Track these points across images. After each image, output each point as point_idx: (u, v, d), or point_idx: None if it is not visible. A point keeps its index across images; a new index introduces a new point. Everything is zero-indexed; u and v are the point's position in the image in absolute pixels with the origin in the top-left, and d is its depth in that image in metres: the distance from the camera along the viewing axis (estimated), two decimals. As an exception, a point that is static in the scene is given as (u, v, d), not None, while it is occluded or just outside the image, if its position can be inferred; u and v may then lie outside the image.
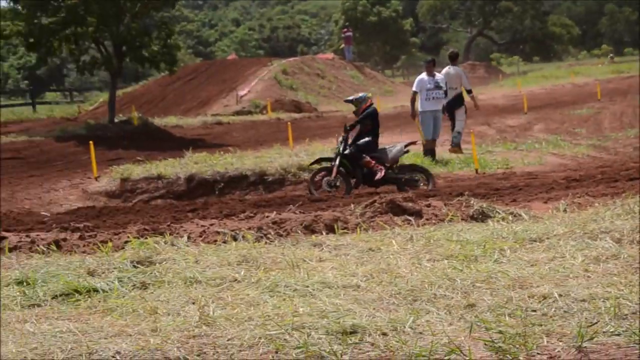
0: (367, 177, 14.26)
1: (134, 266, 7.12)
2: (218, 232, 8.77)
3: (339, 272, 6.65)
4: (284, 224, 8.92)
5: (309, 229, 8.72)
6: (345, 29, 58.97)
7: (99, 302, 6.12)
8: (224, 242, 8.36)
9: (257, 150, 21.20)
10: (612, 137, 21.82)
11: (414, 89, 17.89)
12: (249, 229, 8.83)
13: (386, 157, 14.23)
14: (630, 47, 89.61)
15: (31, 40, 30.56)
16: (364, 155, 14.21)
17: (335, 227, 8.72)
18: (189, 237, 8.63)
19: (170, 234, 8.66)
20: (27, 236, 9.06)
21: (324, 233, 8.57)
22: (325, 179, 14.15)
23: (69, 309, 6.02)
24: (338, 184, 14.12)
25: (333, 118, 35.37)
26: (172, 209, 13.33)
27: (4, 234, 9.16)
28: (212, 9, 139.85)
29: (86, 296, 6.29)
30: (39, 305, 6.14)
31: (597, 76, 52.00)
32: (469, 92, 18.82)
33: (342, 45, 60.02)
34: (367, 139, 14.44)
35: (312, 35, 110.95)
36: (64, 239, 8.93)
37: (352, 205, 9.90)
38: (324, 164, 14.62)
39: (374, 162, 14.13)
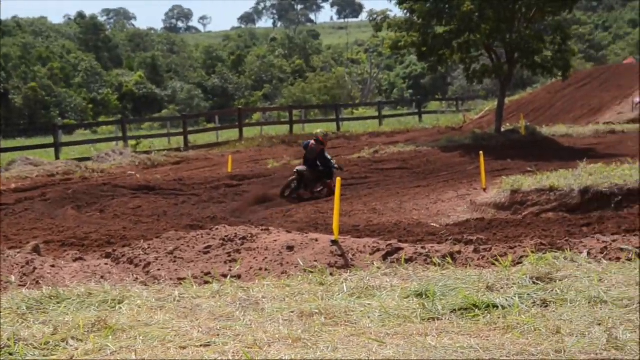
0: None
1: (534, 282, 6.89)
2: (621, 249, 8.26)
3: None
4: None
5: None
6: None
7: (499, 318, 5.98)
8: (629, 259, 7.84)
9: (655, 160, 20.02)
10: None
11: None
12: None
13: None
14: None
15: (424, 49, 31.40)
16: None
17: None
18: (589, 254, 8.22)
19: (569, 250, 8.29)
20: (422, 247, 9.13)
21: None
22: None
23: (468, 324, 5.92)
24: None
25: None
26: (566, 223, 12.88)
27: (400, 245, 9.31)
28: (607, 11, 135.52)
29: (485, 312, 6.15)
30: (438, 319, 6.09)
31: None
32: None
33: None
34: None
35: None
36: (458, 252, 8.88)
37: None
38: None
39: None
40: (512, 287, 6.79)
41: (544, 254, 8.13)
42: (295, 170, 20.30)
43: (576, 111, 42.72)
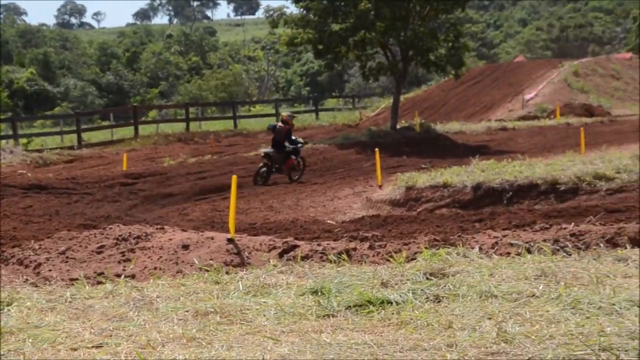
0: None
1: (427, 278, 6.98)
2: (511, 244, 8.44)
3: (649, 290, 6.14)
4: (583, 237, 8.44)
5: (611, 242, 8.19)
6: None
7: (393, 314, 6.03)
8: (518, 254, 8.02)
9: (544, 157, 20.55)
10: None
11: None
12: (545, 240, 8.44)
13: None
14: None
15: (320, 47, 31.50)
16: None
17: (642, 240, 8.14)
18: (480, 249, 8.38)
19: (461, 245, 8.43)
20: (318, 245, 9.16)
21: (628, 247, 8.01)
22: None
23: (362, 320, 5.96)
24: None
25: (628, 122, 33.77)
26: (459, 219, 13.10)
27: (296, 242, 9.32)
28: (498, 9, 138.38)
29: (380, 308, 6.20)
30: (333, 316, 6.12)
31: None
32: None
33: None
34: None
35: (605, 34, 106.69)
36: (354, 249, 8.94)
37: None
38: None
39: None
40: (406, 283, 6.86)
41: (437, 249, 8.24)
42: (262, 154, 21.96)
43: (469, 108, 43.52)
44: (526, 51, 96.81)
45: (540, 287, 6.41)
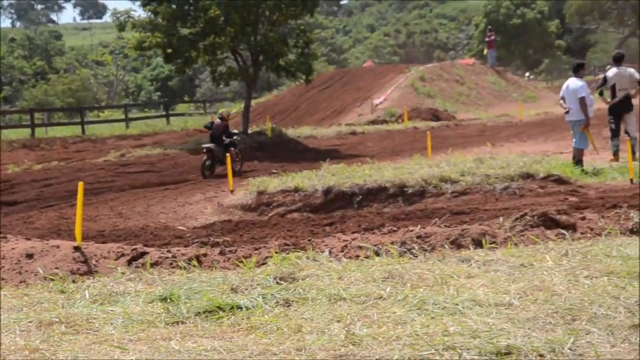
0: None
1: (277, 282, 6.99)
2: (360, 247, 8.56)
3: (490, 290, 6.37)
4: (429, 239, 8.63)
5: (455, 244, 8.40)
6: (490, 33, 57.58)
7: (243, 319, 6.02)
8: (367, 257, 8.14)
9: (393, 160, 20.94)
10: None
11: (583, 94, 16.97)
12: (392, 243, 8.59)
13: None
14: None
15: (169, 51, 31.14)
16: None
17: (483, 241, 8.39)
18: (330, 252, 8.45)
19: (311, 249, 8.49)
20: (168, 251, 9.05)
21: (471, 248, 8.25)
22: None
23: (212, 326, 5.93)
24: None
25: (472, 126, 34.83)
26: (309, 223, 13.17)
27: (145, 249, 9.18)
28: (347, 15, 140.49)
29: (229, 313, 6.18)
30: (182, 323, 6.06)
31: None
32: None
33: (486, 50, 58.76)
34: None
35: (449, 40, 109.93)
36: (204, 254, 8.87)
37: (501, 219, 9.53)
38: None
39: None
40: (256, 287, 6.86)
41: (287, 254, 8.26)
42: (204, 149, 23.43)
43: (320, 113, 43.90)
44: (375, 56, 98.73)
45: (388, 289, 6.51)
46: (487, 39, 57.59)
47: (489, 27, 65.04)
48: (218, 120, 24.18)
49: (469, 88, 49.46)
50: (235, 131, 25.24)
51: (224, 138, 23.49)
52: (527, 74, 71.78)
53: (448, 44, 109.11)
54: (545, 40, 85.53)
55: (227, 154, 20.74)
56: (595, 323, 5.38)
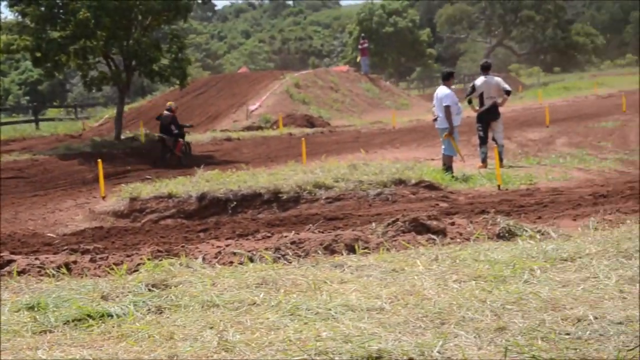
0: None
1: (149, 290, 6.90)
2: (234, 253, 8.54)
3: (362, 294, 6.44)
4: (303, 244, 8.66)
5: (329, 249, 8.45)
6: (363, 41, 58.11)
7: (113, 327, 5.92)
8: (241, 263, 8.12)
9: (268, 167, 20.98)
10: (640, 151, 21.30)
11: (448, 103, 17.34)
12: (267, 249, 8.59)
13: None
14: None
15: (38, 54, 30.32)
16: None
17: (356, 247, 8.47)
18: (204, 259, 8.40)
19: (185, 256, 8.42)
20: (36, 259, 8.82)
21: (344, 253, 8.32)
22: None
23: (82, 335, 5.81)
24: None
25: (346, 133, 35.16)
26: (183, 229, 13.08)
27: (12, 256, 8.93)
28: (222, 21, 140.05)
29: (100, 321, 6.07)
30: (50, 332, 5.91)
31: (621, 87, 51.57)
32: (509, 92, 18.55)
33: (359, 58, 59.33)
34: None
35: (324, 47, 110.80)
36: (74, 262, 8.69)
37: (374, 224, 9.64)
38: None
39: None
40: (127, 295, 6.75)
41: (160, 260, 8.18)
42: (158, 137, 26.99)
43: (195, 119, 43.53)
44: (250, 62, 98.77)
45: (261, 295, 6.51)
46: (360, 47, 58.08)
47: (362, 34, 65.86)
48: (166, 112, 26.67)
49: (343, 95, 49.93)
50: (187, 124, 29.31)
51: (172, 128, 26.19)
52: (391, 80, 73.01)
53: (323, 51, 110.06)
54: (417, 48, 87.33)
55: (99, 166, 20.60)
56: (463, 326, 5.48)
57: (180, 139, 26.39)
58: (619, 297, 5.98)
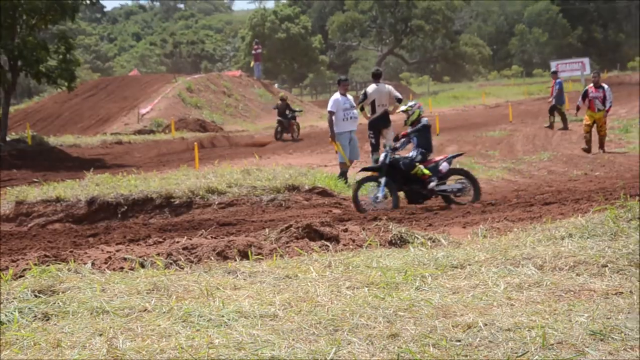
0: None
1: (35, 296, 6.70)
2: (125, 259, 8.38)
3: (256, 301, 6.39)
4: (195, 250, 8.55)
5: (222, 255, 8.36)
6: (256, 46, 57.98)
7: (-3, 335, 5.71)
8: (132, 269, 7.97)
9: (160, 171, 20.75)
10: (526, 159, 21.81)
11: (330, 109, 17.53)
12: (158, 255, 8.46)
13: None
14: (540, 68, 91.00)
15: None
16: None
17: (249, 253, 8.41)
18: (93, 264, 8.22)
19: (73, 261, 8.22)
20: None
21: (237, 259, 8.25)
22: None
23: (-37, 343, 5.59)
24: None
25: (239, 138, 35.08)
26: (72, 234, 12.81)
27: None
28: (112, 23, 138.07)
29: (-18, 329, 5.86)
30: None
31: (507, 97, 52.84)
32: (400, 100, 18.74)
33: (252, 63, 59.19)
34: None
35: (216, 52, 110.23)
36: (-46, 267, 8.39)
37: (267, 230, 9.61)
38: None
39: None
40: (12, 301, 6.53)
41: (47, 266, 7.95)
42: (277, 121, 32.85)
43: (84, 121, 42.88)
44: (141, 65, 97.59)
45: (153, 301, 6.40)
46: (253, 52, 58.02)
47: (255, 40, 65.79)
48: (280, 102, 33.41)
49: (236, 100, 49.85)
50: (297, 109, 35.28)
51: (287, 113, 32.49)
52: (276, 84, 73.25)
53: (215, 56, 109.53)
54: (310, 55, 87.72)
55: None
56: (356, 333, 5.49)
57: (293, 121, 32.64)
58: (507, 304, 6.08)
